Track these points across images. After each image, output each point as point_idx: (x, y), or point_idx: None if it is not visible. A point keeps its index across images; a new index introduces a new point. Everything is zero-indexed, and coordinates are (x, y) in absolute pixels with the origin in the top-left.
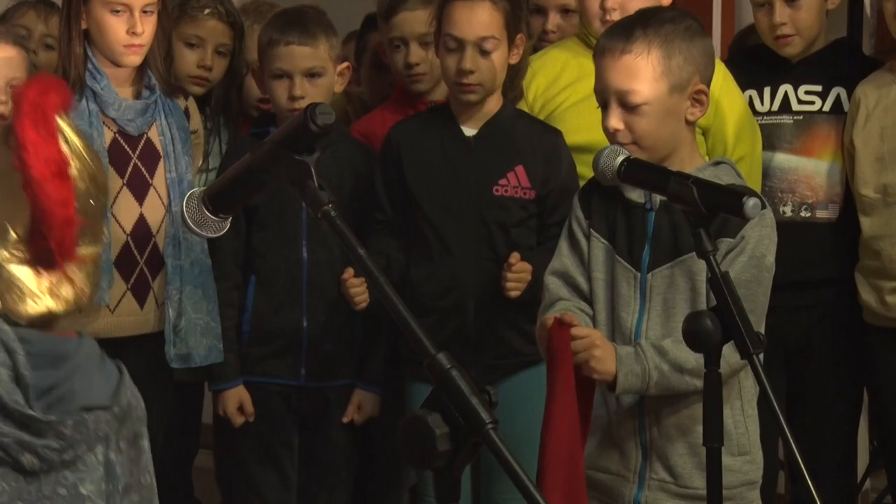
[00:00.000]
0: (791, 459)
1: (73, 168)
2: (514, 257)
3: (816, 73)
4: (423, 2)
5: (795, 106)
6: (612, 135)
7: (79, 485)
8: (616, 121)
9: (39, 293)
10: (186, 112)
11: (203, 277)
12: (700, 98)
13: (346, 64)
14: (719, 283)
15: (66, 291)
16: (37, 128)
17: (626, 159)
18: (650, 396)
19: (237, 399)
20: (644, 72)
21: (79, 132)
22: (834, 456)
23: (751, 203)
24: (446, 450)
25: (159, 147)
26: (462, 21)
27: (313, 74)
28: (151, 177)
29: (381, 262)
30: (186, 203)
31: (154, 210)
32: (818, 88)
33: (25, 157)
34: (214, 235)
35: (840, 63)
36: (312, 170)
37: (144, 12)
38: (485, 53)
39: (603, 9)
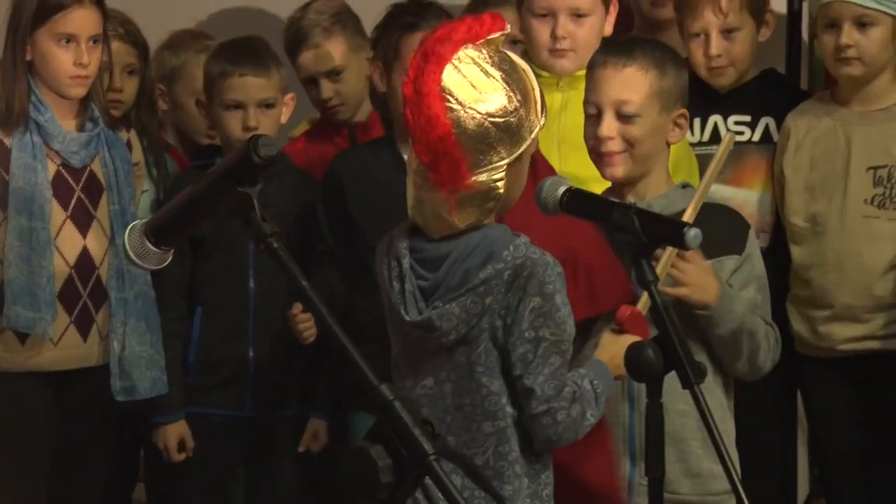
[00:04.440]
0: (731, 483)
1: None
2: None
3: (745, 104)
4: (325, 37)
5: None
6: (601, 142)
7: None
8: (609, 129)
9: None
10: (129, 144)
11: (147, 309)
12: (680, 122)
13: (291, 94)
14: (661, 314)
15: None
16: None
17: (568, 190)
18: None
19: (178, 434)
20: (642, 86)
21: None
22: (773, 483)
23: (692, 233)
24: (389, 481)
25: (102, 179)
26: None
27: (267, 105)
28: (95, 209)
29: (324, 293)
30: (128, 235)
31: (97, 242)
32: (747, 119)
33: None
34: (156, 267)
35: (768, 93)
36: (255, 201)
37: (91, 43)
38: None
39: (553, 37)
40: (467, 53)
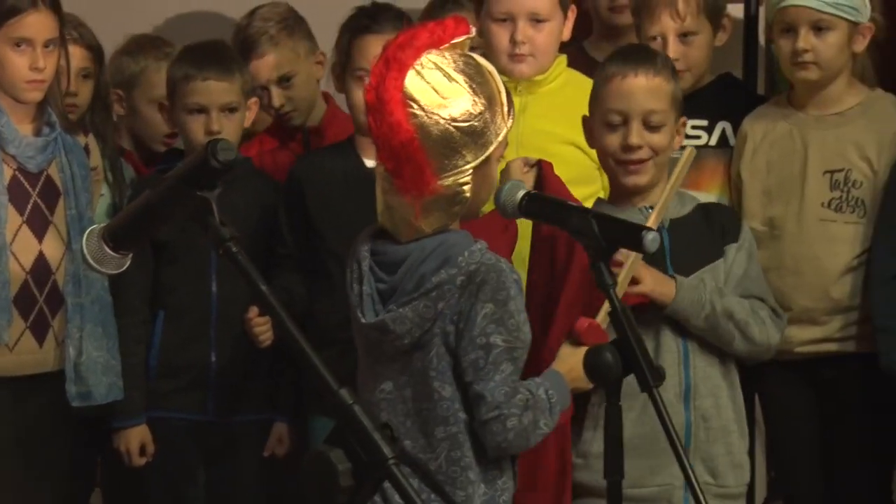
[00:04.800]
0: (690, 487)
1: None
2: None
3: (702, 108)
4: (272, 44)
5: (683, 140)
6: (630, 151)
7: None
8: (639, 138)
9: None
10: (86, 149)
11: (104, 315)
12: (680, 130)
13: (254, 99)
14: (620, 317)
15: None
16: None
17: (527, 194)
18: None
19: (139, 438)
20: (666, 95)
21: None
22: None
23: (650, 237)
24: (349, 486)
25: (59, 184)
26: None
27: (230, 109)
28: (51, 214)
29: (284, 297)
30: (86, 240)
31: (54, 247)
32: (704, 123)
33: None
34: (115, 272)
35: (725, 97)
36: (214, 206)
37: (46, 48)
38: None
39: (512, 42)
40: (430, 59)
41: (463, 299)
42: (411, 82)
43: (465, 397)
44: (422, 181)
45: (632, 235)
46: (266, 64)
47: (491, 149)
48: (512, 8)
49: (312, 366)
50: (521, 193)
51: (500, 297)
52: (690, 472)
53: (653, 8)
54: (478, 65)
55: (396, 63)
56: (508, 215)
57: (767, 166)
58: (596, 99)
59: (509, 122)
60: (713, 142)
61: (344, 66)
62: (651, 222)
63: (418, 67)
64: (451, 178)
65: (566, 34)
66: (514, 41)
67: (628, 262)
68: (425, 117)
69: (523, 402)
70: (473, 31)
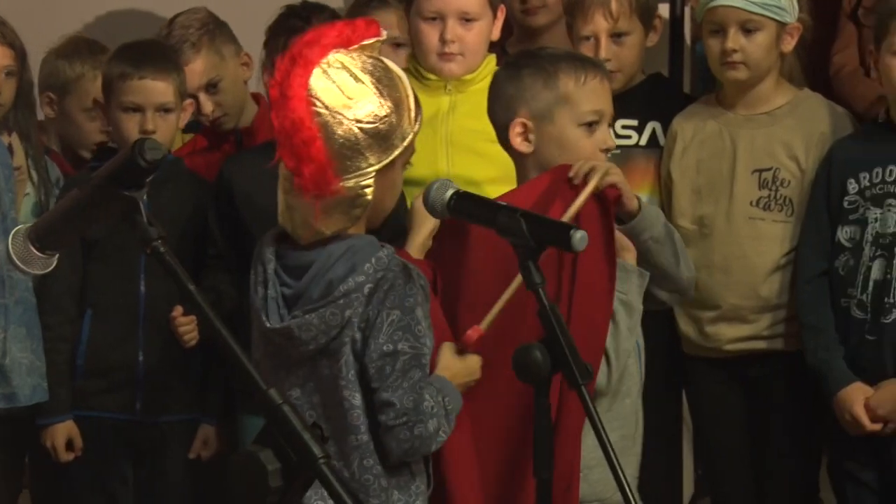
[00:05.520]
0: (619, 486)
1: None
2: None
3: (632, 108)
4: (194, 52)
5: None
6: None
7: None
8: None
9: None
10: (10, 148)
11: (28, 316)
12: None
13: (189, 101)
14: (548, 315)
15: None
16: None
17: (456, 193)
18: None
19: (66, 434)
20: None
21: None
22: (656, 484)
23: (578, 235)
24: (278, 486)
25: None
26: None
27: (165, 109)
28: None
29: (211, 296)
30: (12, 240)
31: None
32: (634, 123)
33: None
34: (41, 272)
35: (655, 98)
36: (141, 205)
37: None
38: None
39: (442, 41)
40: (338, 58)
41: (370, 307)
42: (317, 81)
43: (370, 404)
44: (323, 181)
45: (560, 234)
46: (191, 72)
47: (396, 153)
48: (442, 7)
49: (241, 365)
50: (449, 192)
51: (407, 304)
52: (620, 472)
53: (586, 8)
54: (386, 68)
55: (302, 60)
56: (437, 214)
57: (697, 165)
58: None
59: (416, 127)
60: (643, 142)
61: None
62: (567, 217)
63: (325, 66)
64: (352, 180)
65: (495, 34)
66: (443, 40)
67: (581, 196)
68: (329, 116)
69: (429, 410)
70: (385, 34)
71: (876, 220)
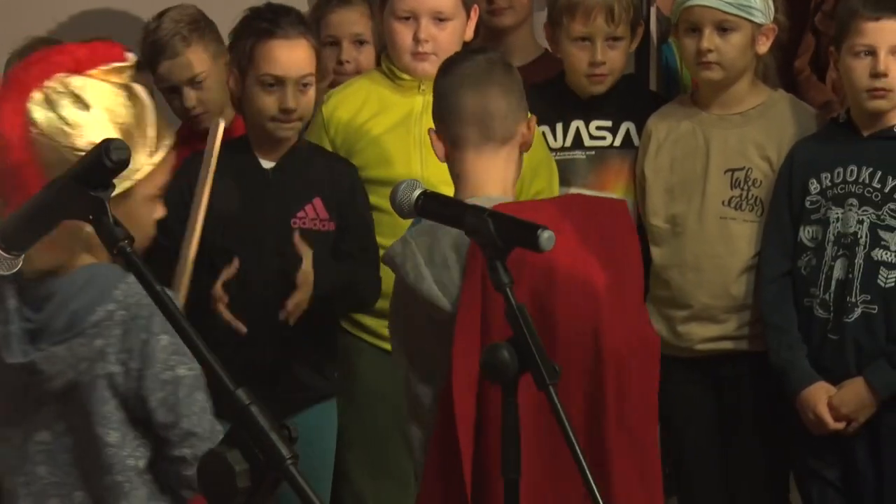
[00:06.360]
0: (587, 486)
1: None
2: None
3: (606, 109)
4: (184, 45)
5: (587, 141)
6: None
7: None
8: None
9: None
10: None
11: None
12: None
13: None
14: (516, 315)
15: None
16: None
17: (423, 193)
18: None
19: None
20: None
21: None
22: None
23: (545, 235)
24: (246, 486)
25: None
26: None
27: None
28: None
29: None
30: None
31: None
32: (608, 124)
33: None
34: (6, 273)
35: (629, 99)
36: (108, 205)
37: None
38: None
39: (415, 40)
40: (65, 83)
41: (131, 336)
42: (36, 105)
43: (137, 443)
44: None
45: (527, 234)
46: (179, 65)
47: (126, 185)
48: (415, 6)
49: (209, 365)
50: (417, 192)
51: (169, 327)
52: (587, 474)
53: (588, 9)
54: (130, 96)
55: (18, 84)
56: (405, 215)
57: (671, 164)
58: None
59: (156, 159)
60: (617, 142)
61: (244, 70)
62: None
63: (48, 91)
64: None
65: (469, 34)
66: (416, 39)
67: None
68: (46, 141)
69: (220, 431)
70: (131, 57)
71: (837, 219)
